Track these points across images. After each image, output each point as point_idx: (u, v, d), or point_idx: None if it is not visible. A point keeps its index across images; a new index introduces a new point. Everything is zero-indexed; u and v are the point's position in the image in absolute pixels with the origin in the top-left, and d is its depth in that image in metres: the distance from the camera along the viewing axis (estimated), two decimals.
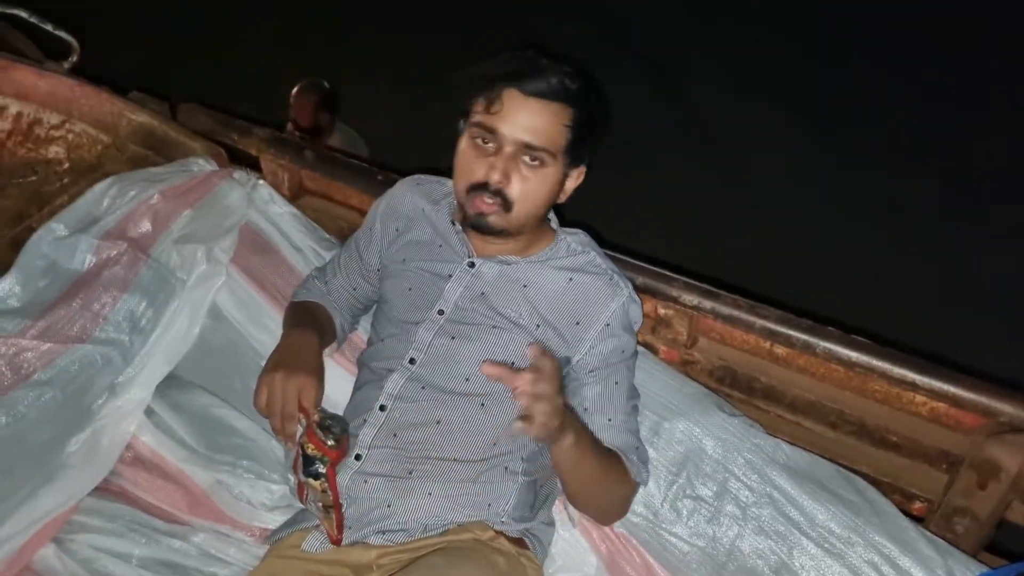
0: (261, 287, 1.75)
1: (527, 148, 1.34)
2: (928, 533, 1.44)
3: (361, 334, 1.70)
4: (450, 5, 4.34)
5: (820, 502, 1.45)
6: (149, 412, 1.64)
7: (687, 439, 1.52)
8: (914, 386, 1.43)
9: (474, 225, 1.40)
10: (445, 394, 1.41)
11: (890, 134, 3.81)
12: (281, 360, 1.44)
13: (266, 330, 1.69)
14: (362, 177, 1.80)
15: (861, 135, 3.78)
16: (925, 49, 4.26)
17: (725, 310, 1.53)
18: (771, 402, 1.62)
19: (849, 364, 1.47)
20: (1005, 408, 1.40)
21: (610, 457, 1.38)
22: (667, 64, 4.20)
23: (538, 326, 1.42)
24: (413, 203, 1.56)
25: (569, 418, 1.25)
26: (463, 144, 1.39)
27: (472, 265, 1.45)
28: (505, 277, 1.45)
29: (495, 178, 1.34)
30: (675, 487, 1.50)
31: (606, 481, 1.39)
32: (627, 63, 4.05)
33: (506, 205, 1.36)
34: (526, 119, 1.33)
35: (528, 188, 1.36)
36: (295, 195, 1.92)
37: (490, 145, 1.35)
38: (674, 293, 1.56)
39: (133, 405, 1.62)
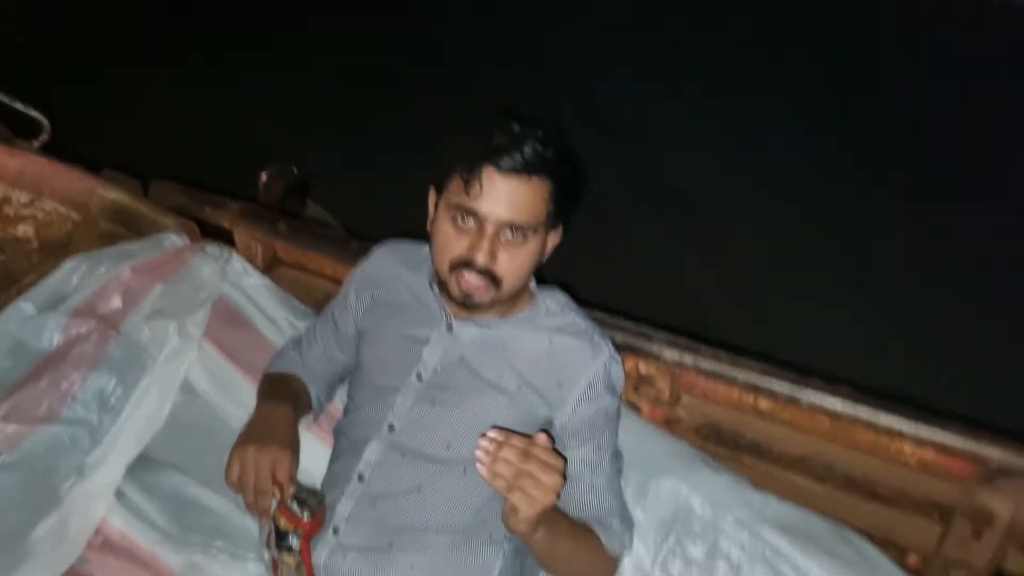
0: (234, 361, 1.73)
1: (510, 226, 1.33)
2: None
3: (338, 404, 1.68)
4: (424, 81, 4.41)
5: (814, 558, 1.43)
6: (119, 494, 1.58)
7: (674, 498, 1.50)
8: (900, 435, 1.43)
9: (461, 303, 1.39)
10: (426, 461, 1.38)
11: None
12: (254, 433, 1.41)
13: (240, 405, 1.66)
14: (336, 247, 1.81)
15: (827, 195, 3.84)
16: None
17: (707, 364, 1.53)
18: (757, 457, 1.61)
19: (834, 415, 1.46)
20: (993, 453, 1.40)
21: (587, 535, 1.36)
22: (625, 124, 4.28)
23: (519, 388, 1.41)
24: (389, 270, 1.56)
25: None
26: (441, 222, 1.38)
27: (450, 328, 1.45)
28: (484, 340, 1.44)
29: (480, 260, 1.33)
30: (664, 548, 1.48)
31: (586, 562, 1.37)
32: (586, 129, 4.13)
33: (495, 282, 1.35)
34: (507, 198, 1.32)
35: (515, 263, 1.36)
36: (269, 266, 1.92)
37: (470, 224, 1.34)
38: (655, 350, 1.56)
39: (102, 487, 1.56)
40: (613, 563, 1.40)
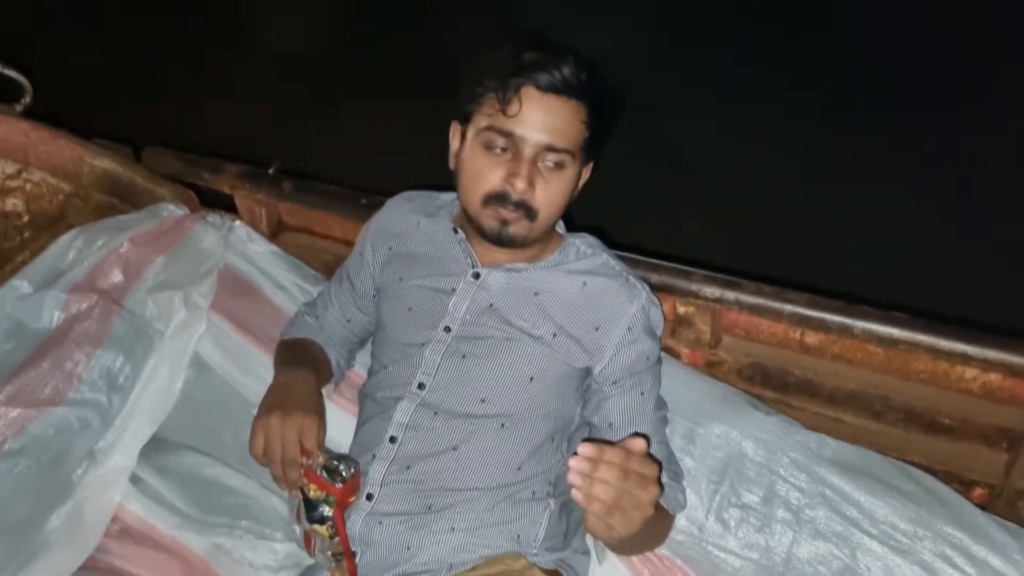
0: (246, 331, 1.66)
1: (548, 150, 1.26)
2: (998, 518, 1.35)
3: (359, 370, 1.61)
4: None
5: (878, 496, 1.36)
6: (134, 479, 1.53)
7: (725, 444, 1.43)
8: (965, 358, 1.35)
9: (496, 238, 1.31)
10: (460, 418, 1.31)
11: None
12: (276, 401, 1.34)
13: (256, 376, 1.59)
14: (345, 203, 1.73)
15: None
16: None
17: (750, 299, 1.45)
18: (808, 397, 1.54)
19: (891, 342, 1.39)
20: None
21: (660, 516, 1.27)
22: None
23: (555, 335, 1.33)
24: (406, 219, 1.48)
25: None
26: (472, 151, 1.30)
27: (477, 276, 1.37)
28: (514, 286, 1.36)
29: (520, 187, 1.25)
30: (718, 497, 1.41)
31: (649, 535, 1.29)
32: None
33: (530, 215, 1.28)
34: (546, 118, 1.24)
35: (551, 194, 1.28)
36: (274, 232, 1.84)
37: (506, 150, 1.27)
38: (693, 287, 1.48)
39: (116, 472, 1.50)
40: (669, 523, 1.34)
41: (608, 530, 1.02)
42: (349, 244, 1.63)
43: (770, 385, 1.56)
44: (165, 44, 4.30)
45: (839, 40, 4.27)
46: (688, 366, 1.56)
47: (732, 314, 1.52)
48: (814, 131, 3.65)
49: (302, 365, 1.44)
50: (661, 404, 1.39)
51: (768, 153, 3.52)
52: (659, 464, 1.05)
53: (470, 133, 1.30)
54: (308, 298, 1.69)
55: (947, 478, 1.46)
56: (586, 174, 1.38)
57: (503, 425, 1.31)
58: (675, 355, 1.58)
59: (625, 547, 1.30)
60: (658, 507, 1.28)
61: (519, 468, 1.31)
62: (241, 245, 1.78)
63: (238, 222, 1.80)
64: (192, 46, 4.30)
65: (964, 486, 1.47)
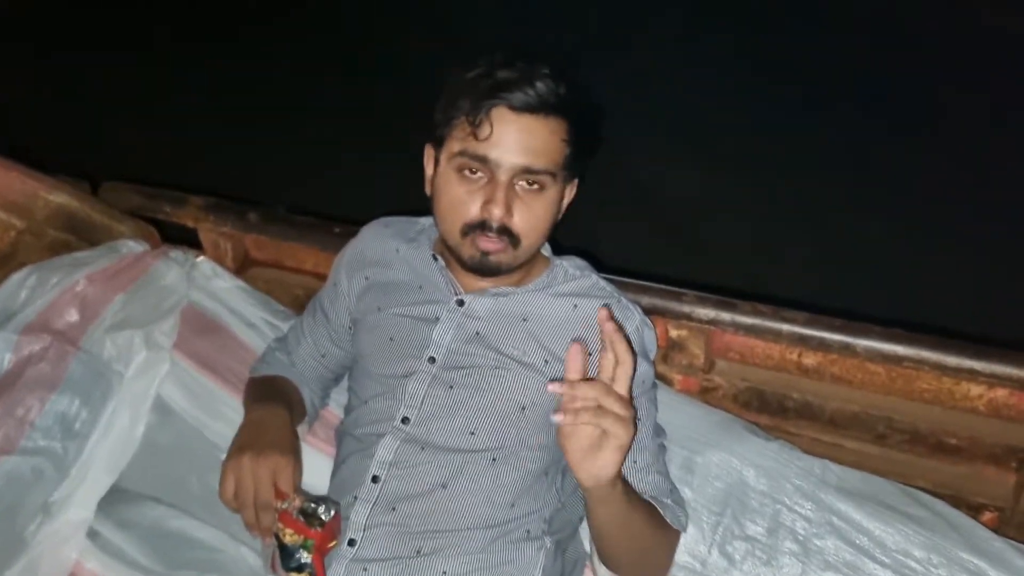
0: (212, 371, 1.58)
1: (526, 172, 1.20)
2: (1013, 542, 1.30)
3: (334, 409, 1.54)
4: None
5: (888, 523, 1.31)
6: (92, 533, 1.43)
7: (725, 472, 1.37)
8: (971, 374, 1.31)
9: (477, 268, 1.25)
10: (449, 453, 1.24)
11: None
12: (247, 440, 1.26)
13: (224, 419, 1.50)
14: (317, 233, 1.66)
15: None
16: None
17: (747, 320, 1.40)
18: (807, 422, 1.49)
19: (895, 360, 1.34)
20: None
21: (649, 505, 1.22)
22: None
23: (546, 362, 1.27)
24: (383, 245, 1.41)
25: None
26: (446, 178, 1.24)
27: (461, 303, 1.30)
28: (501, 312, 1.30)
29: (497, 213, 1.19)
30: (721, 528, 1.34)
31: (651, 534, 1.22)
32: None
33: (513, 241, 1.22)
34: (521, 140, 1.18)
35: (532, 218, 1.22)
36: (241, 267, 1.76)
37: (480, 175, 1.21)
38: (686, 309, 1.43)
39: (73, 527, 1.41)
40: (675, 539, 1.27)
41: (593, 459, 1.02)
42: (321, 277, 1.56)
43: (767, 410, 1.51)
44: (129, 72, 4.23)
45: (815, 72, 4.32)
46: (682, 393, 1.50)
47: (726, 337, 1.47)
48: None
49: (274, 402, 1.36)
50: (659, 431, 1.33)
51: (735, 187, 3.52)
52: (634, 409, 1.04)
53: (443, 158, 1.25)
54: (279, 334, 1.61)
55: (954, 503, 1.41)
56: (571, 192, 1.33)
57: (495, 459, 1.24)
58: (668, 382, 1.53)
59: (623, 529, 1.20)
60: (660, 519, 1.22)
61: (513, 505, 1.23)
62: (205, 281, 1.70)
63: (202, 257, 1.72)
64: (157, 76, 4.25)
65: (972, 511, 1.42)
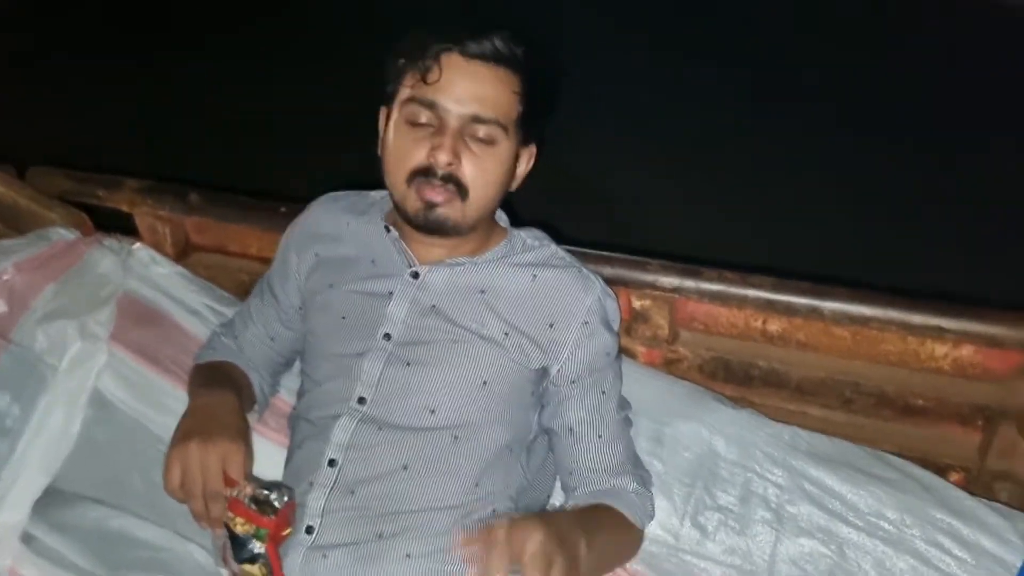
0: (154, 362, 1.51)
1: (475, 121, 1.16)
2: (985, 500, 1.29)
3: (285, 396, 1.47)
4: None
5: (860, 487, 1.30)
6: (27, 538, 1.35)
7: (694, 443, 1.35)
8: (939, 333, 1.30)
9: (423, 222, 1.20)
10: (409, 433, 1.19)
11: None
12: (194, 427, 1.19)
13: (167, 411, 1.42)
14: (262, 214, 1.59)
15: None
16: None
17: (713, 287, 1.38)
18: (774, 389, 1.47)
19: (862, 321, 1.33)
20: None
21: (615, 523, 1.21)
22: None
23: (506, 334, 1.22)
24: (333, 220, 1.36)
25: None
26: (395, 129, 1.20)
27: (416, 276, 1.25)
28: (457, 283, 1.25)
29: (443, 159, 1.15)
30: (693, 500, 1.32)
31: (616, 554, 1.23)
32: None
33: (461, 191, 1.18)
34: (471, 87, 1.16)
35: (482, 171, 1.18)
36: (181, 253, 1.69)
37: (428, 123, 1.17)
38: (650, 278, 1.40)
39: (6, 531, 1.34)
40: (639, 537, 1.25)
41: None
42: (267, 262, 1.49)
43: (733, 380, 1.49)
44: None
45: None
46: (646, 366, 1.47)
47: (690, 306, 1.44)
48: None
49: (222, 387, 1.29)
50: (624, 404, 1.30)
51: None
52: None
53: (394, 110, 1.21)
54: (224, 320, 1.54)
55: (922, 465, 1.40)
56: (528, 159, 1.29)
57: (456, 437, 1.19)
58: (631, 355, 1.49)
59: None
60: (623, 519, 1.19)
61: (477, 484, 1.19)
62: (143, 269, 1.63)
63: (138, 244, 1.64)
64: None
65: (939, 472, 1.41)
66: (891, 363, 1.41)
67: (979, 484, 1.41)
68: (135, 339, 1.52)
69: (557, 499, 1.33)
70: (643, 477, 1.27)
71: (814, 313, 1.35)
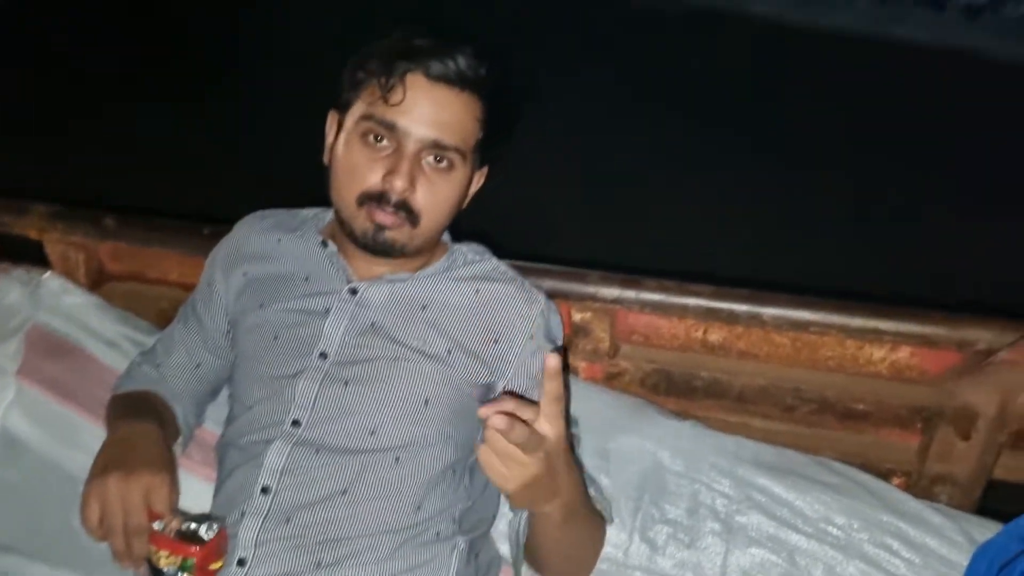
0: (67, 397, 1.44)
1: (435, 147, 1.13)
2: (929, 502, 1.31)
3: (211, 427, 1.40)
4: None
5: (806, 493, 1.30)
6: None
7: (640, 456, 1.33)
8: (876, 334, 1.32)
9: (370, 244, 1.16)
10: (348, 455, 1.14)
11: None
12: (113, 459, 1.12)
13: (83, 449, 1.35)
14: (183, 236, 1.52)
15: None
16: None
17: (653, 297, 1.37)
18: (716, 400, 1.47)
19: (802, 326, 1.34)
20: (982, 335, 1.31)
21: (595, 513, 1.17)
22: None
23: (449, 351, 1.19)
24: (262, 237, 1.31)
25: (564, 491, 1.01)
26: (348, 143, 1.16)
27: (354, 292, 1.21)
28: (398, 300, 1.22)
29: (399, 185, 1.11)
30: (640, 514, 1.30)
31: (588, 536, 1.18)
32: None
33: (412, 219, 1.14)
34: (434, 111, 1.12)
35: (436, 198, 1.15)
36: (95, 282, 1.61)
37: (386, 143, 1.13)
38: (590, 290, 1.38)
39: None
40: (604, 533, 1.22)
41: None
42: (189, 288, 1.43)
43: (675, 392, 1.48)
44: None
45: None
46: (588, 381, 1.45)
47: (630, 318, 1.43)
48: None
49: (142, 417, 1.22)
50: (571, 421, 1.27)
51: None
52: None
53: (348, 123, 1.16)
54: (145, 349, 1.46)
55: (864, 471, 1.41)
56: (479, 180, 1.26)
57: (398, 459, 1.14)
58: (572, 371, 1.47)
59: (559, 566, 1.17)
60: (586, 507, 1.16)
61: (419, 507, 1.14)
62: (54, 299, 1.55)
63: (49, 273, 1.56)
64: None
65: (881, 477, 1.43)
66: (831, 369, 1.42)
67: (919, 488, 1.42)
68: (46, 373, 1.45)
69: (502, 523, 1.30)
70: (596, 489, 1.24)
71: (754, 320, 1.35)
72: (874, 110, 4.28)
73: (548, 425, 0.92)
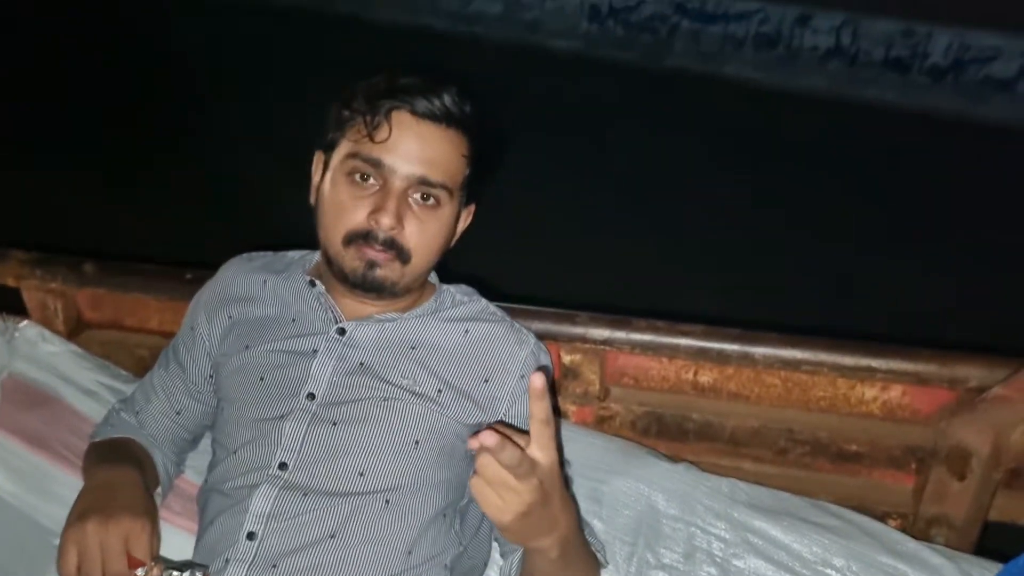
0: (42, 447, 1.40)
1: (422, 183, 1.13)
2: (926, 543, 1.29)
3: (191, 477, 1.36)
4: None
5: (803, 535, 1.28)
6: None
7: (633, 500, 1.31)
8: (869, 372, 1.32)
9: (360, 282, 1.15)
10: (336, 498, 1.11)
11: None
12: (92, 505, 1.09)
13: (58, 501, 1.30)
14: (165, 281, 1.50)
15: None
16: None
17: (643, 337, 1.36)
18: (708, 442, 1.45)
19: (794, 365, 1.33)
20: (972, 373, 1.31)
21: (591, 554, 1.14)
22: None
23: (440, 392, 1.17)
24: (247, 280, 1.29)
25: (560, 523, 0.97)
26: (334, 182, 1.16)
27: (343, 332, 1.19)
28: (387, 339, 1.20)
29: (386, 223, 1.11)
30: (635, 560, 1.27)
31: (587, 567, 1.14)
32: None
33: (402, 256, 1.14)
34: (420, 148, 1.12)
35: (425, 235, 1.15)
36: (74, 331, 1.57)
37: (372, 182, 1.13)
38: (580, 331, 1.37)
39: None
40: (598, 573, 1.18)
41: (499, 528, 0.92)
42: (169, 336, 1.40)
43: (667, 435, 1.46)
44: None
45: None
46: (578, 425, 1.43)
47: (620, 360, 1.42)
48: None
49: (122, 463, 1.19)
50: (564, 462, 1.25)
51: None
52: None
53: (334, 161, 1.16)
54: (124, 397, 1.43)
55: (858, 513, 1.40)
56: (467, 218, 1.26)
57: (388, 501, 1.12)
58: (562, 415, 1.46)
59: None
60: (583, 546, 1.13)
61: (410, 552, 1.11)
62: (31, 348, 1.51)
63: (26, 322, 1.53)
64: None
65: (877, 520, 1.41)
66: (823, 409, 1.42)
67: (915, 531, 1.40)
68: (21, 424, 1.41)
69: (493, 570, 1.26)
70: (590, 531, 1.21)
71: (746, 359, 1.34)
72: (849, 167, 4.39)
73: (539, 451, 0.88)
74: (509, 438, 0.85)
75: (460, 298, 1.29)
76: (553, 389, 1.34)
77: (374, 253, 1.13)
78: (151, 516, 1.11)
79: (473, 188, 1.22)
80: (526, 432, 0.90)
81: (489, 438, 0.82)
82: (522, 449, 0.87)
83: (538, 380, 0.86)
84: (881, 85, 5.21)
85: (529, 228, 3.44)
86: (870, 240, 3.69)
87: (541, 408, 0.87)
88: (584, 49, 5.68)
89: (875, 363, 1.31)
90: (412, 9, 5.84)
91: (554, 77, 5.21)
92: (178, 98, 4.58)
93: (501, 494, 0.88)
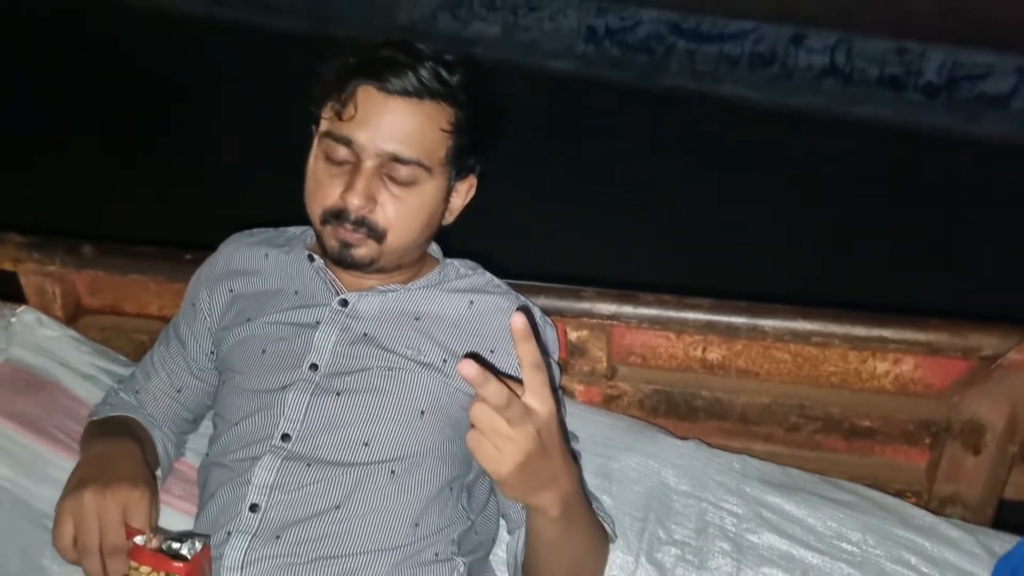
0: (39, 432, 1.37)
1: (395, 161, 1.11)
2: (942, 517, 1.26)
3: (191, 460, 1.34)
4: None
5: (818, 510, 1.26)
6: None
7: (643, 476, 1.29)
8: (881, 344, 1.29)
9: (337, 260, 1.15)
10: (341, 468, 1.08)
11: None
12: (89, 475, 1.07)
13: (54, 484, 1.27)
14: (165, 263, 1.48)
15: None
16: None
17: (651, 312, 1.33)
18: (718, 420, 1.43)
19: (804, 337, 1.31)
20: (987, 342, 1.29)
21: (597, 522, 1.11)
22: None
23: (445, 361, 1.15)
24: (248, 254, 1.27)
25: (561, 479, 0.93)
26: (314, 161, 1.15)
27: (345, 303, 1.17)
28: (390, 310, 1.18)
29: (355, 203, 1.10)
30: (647, 536, 1.24)
31: (591, 554, 1.10)
32: None
33: (375, 235, 1.12)
34: (390, 124, 1.10)
35: (402, 213, 1.13)
36: (72, 316, 1.55)
37: (345, 159, 1.11)
38: (586, 306, 1.35)
39: None
40: (607, 549, 1.14)
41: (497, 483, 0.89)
42: (168, 320, 1.38)
43: (676, 413, 1.43)
44: None
45: None
46: (586, 404, 1.40)
47: (627, 337, 1.40)
48: None
49: (120, 436, 1.17)
50: (570, 436, 1.22)
51: None
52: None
53: (314, 139, 1.16)
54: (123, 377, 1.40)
55: None
56: (467, 191, 1.24)
57: (393, 472, 1.09)
58: (569, 394, 1.44)
59: (560, 552, 1.06)
60: (602, 532, 1.10)
61: (417, 524, 1.08)
62: (28, 333, 1.49)
63: (23, 307, 1.51)
64: None
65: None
66: (834, 385, 1.39)
67: (930, 510, 1.37)
68: (19, 409, 1.38)
69: (500, 548, 1.23)
70: (599, 506, 1.18)
71: (755, 332, 1.32)
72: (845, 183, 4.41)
73: (533, 397, 0.85)
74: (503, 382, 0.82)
75: (464, 271, 1.27)
76: (560, 368, 1.31)
77: (345, 233, 1.12)
78: (150, 486, 1.08)
79: (467, 159, 1.19)
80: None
81: (468, 368, 0.79)
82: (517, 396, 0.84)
83: (519, 320, 0.82)
84: (876, 103, 5.26)
85: (525, 246, 3.44)
86: (870, 257, 3.70)
87: (527, 351, 0.84)
88: (581, 69, 5.73)
89: (887, 333, 1.28)
90: (409, 31, 5.89)
91: (552, 97, 5.23)
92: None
93: (497, 443, 0.84)
